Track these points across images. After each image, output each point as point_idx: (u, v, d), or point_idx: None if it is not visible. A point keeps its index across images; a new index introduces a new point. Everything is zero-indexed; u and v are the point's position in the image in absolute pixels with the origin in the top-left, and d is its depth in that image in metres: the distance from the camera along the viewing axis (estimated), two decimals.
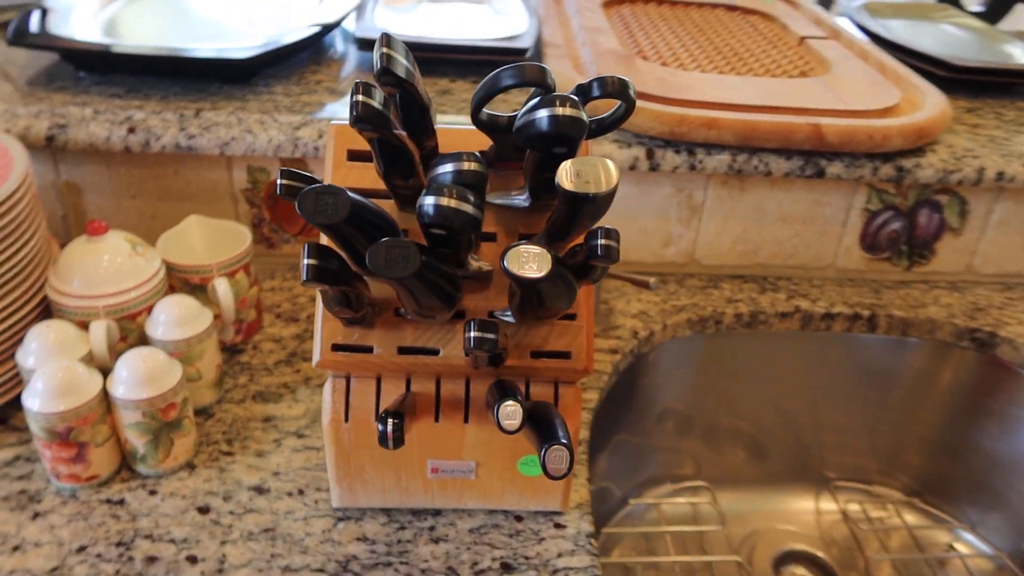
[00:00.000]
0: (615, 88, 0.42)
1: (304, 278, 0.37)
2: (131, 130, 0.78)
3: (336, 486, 0.59)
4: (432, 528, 0.60)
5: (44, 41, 0.82)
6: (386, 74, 0.38)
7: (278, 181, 0.38)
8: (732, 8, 1.21)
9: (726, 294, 0.90)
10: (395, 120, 0.43)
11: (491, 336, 0.39)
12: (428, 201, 0.34)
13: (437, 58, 0.95)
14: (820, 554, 0.98)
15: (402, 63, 0.39)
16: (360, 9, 1.02)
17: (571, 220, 0.43)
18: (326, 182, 0.53)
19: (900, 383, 0.95)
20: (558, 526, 0.61)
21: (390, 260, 0.35)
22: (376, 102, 0.38)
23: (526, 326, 0.52)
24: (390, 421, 0.43)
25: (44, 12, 0.89)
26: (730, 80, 0.90)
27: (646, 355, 0.87)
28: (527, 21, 1.02)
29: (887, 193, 0.88)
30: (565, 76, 0.86)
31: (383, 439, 0.43)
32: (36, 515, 0.59)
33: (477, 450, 0.57)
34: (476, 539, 0.59)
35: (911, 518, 1.00)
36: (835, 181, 0.86)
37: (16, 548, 0.56)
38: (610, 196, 0.38)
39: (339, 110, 0.83)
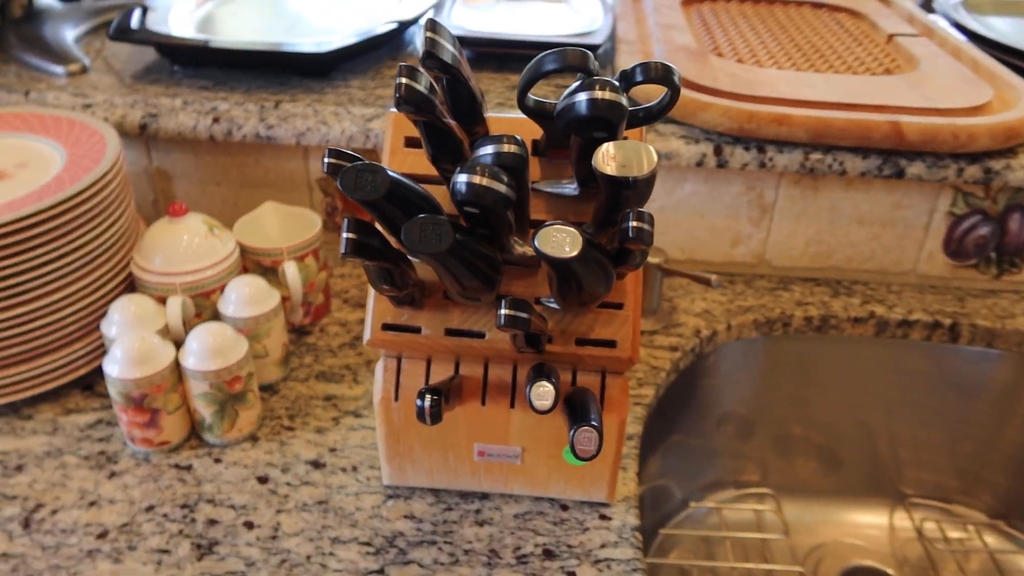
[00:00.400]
0: (658, 73, 0.42)
1: (343, 251, 0.38)
2: (216, 120, 0.83)
3: (387, 464, 0.61)
4: (478, 511, 0.61)
5: (142, 36, 0.88)
6: (430, 58, 0.39)
7: (324, 159, 0.40)
8: (818, 5, 1.17)
9: (796, 296, 0.87)
10: (443, 106, 0.44)
11: (523, 315, 0.39)
12: (460, 179, 0.35)
13: (510, 54, 0.96)
14: (891, 572, 0.93)
15: (448, 49, 0.40)
16: (438, 7, 1.04)
17: (614, 205, 0.43)
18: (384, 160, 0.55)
19: (984, 397, 0.90)
20: (603, 517, 0.61)
21: (424, 236, 0.36)
22: (421, 86, 0.39)
23: (572, 313, 0.52)
24: (428, 397, 0.44)
25: (144, 10, 0.95)
26: (807, 77, 0.87)
27: (708, 356, 0.86)
28: (602, 18, 1.02)
29: (975, 196, 0.84)
30: None
31: (420, 414, 0.44)
32: (112, 474, 0.63)
33: (523, 435, 0.58)
34: (520, 524, 0.60)
35: (993, 541, 0.94)
36: (916, 182, 0.83)
37: (92, 503, 0.61)
38: (649, 180, 0.38)
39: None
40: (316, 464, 0.64)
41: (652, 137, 0.81)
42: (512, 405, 0.56)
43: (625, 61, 0.89)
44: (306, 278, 0.76)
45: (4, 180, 0.69)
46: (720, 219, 0.87)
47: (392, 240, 0.42)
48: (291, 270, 0.74)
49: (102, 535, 0.58)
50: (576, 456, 0.41)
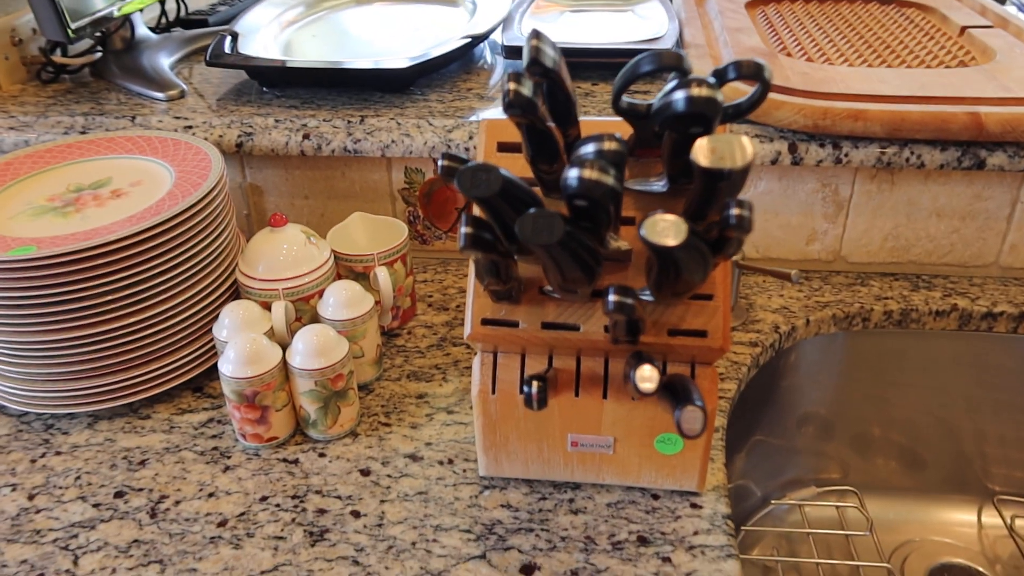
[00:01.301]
0: (751, 70, 0.44)
1: (462, 244, 0.41)
2: (306, 136, 0.87)
3: (483, 455, 0.64)
4: (571, 500, 0.63)
5: (236, 61, 0.94)
6: (535, 64, 0.42)
7: (439, 162, 0.43)
8: (886, 1, 1.17)
9: (875, 291, 0.88)
10: (542, 108, 0.47)
11: (629, 301, 0.42)
12: (572, 174, 0.38)
13: (580, 62, 0.99)
14: (982, 570, 0.92)
15: (549, 55, 0.43)
16: (507, 21, 1.08)
17: (708, 198, 0.45)
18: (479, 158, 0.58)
19: None
20: (694, 506, 0.62)
21: (536, 228, 0.38)
22: (526, 90, 0.42)
23: (663, 304, 0.54)
24: (535, 383, 0.47)
25: (235, 37, 1.00)
26: (879, 73, 0.88)
27: (787, 355, 0.87)
28: (668, 24, 1.04)
29: None
30: (705, 73, 0.87)
31: (528, 400, 0.47)
32: (227, 468, 0.67)
33: (615, 426, 0.60)
34: (613, 513, 0.62)
35: None
36: (998, 173, 0.82)
37: (211, 495, 0.65)
38: (745, 172, 0.40)
39: (488, 113, 0.89)
40: (414, 457, 0.68)
41: None
42: (604, 396, 0.58)
43: (697, 66, 0.90)
44: (395, 282, 0.80)
45: (121, 198, 0.74)
46: (795, 216, 0.88)
47: (501, 236, 0.45)
48: (382, 275, 0.77)
49: (222, 523, 0.62)
50: (682, 435, 0.43)
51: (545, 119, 0.45)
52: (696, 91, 0.40)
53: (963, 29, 1.02)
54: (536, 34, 0.42)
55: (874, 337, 0.87)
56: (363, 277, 0.79)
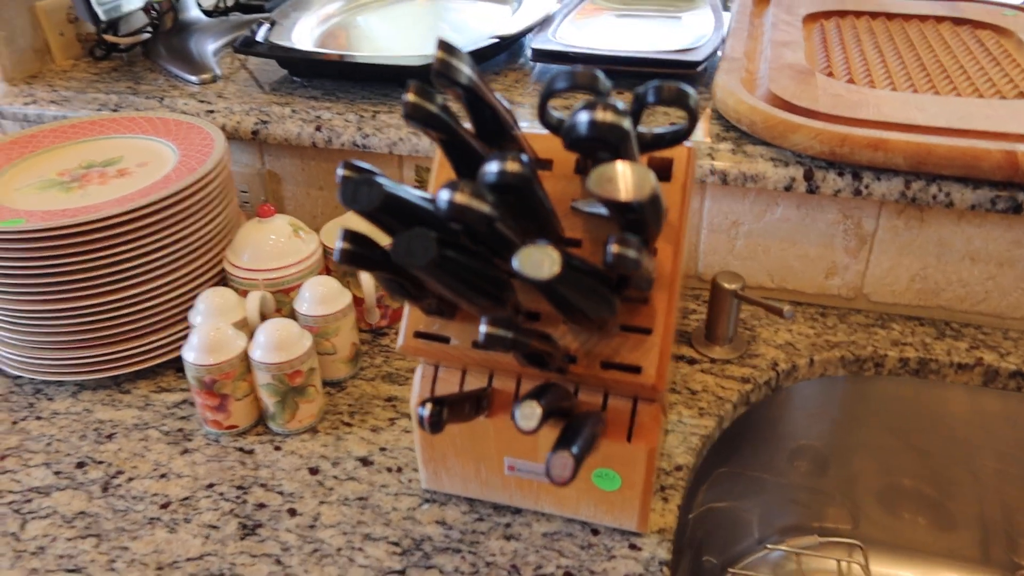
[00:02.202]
0: (671, 95, 0.40)
1: (336, 259, 0.40)
2: (318, 128, 0.88)
3: (423, 468, 0.62)
4: (508, 525, 0.61)
5: (262, 50, 0.95)
6: (442, 77, 0.40)
7: (338, 171, 0.42)
8: (959, 21, 1.08)
9: (894, 335, 0.81)
10: (467, 126, 0.45)
11: (506, 335, 0.39)
12: (442, 197, 0.36)
13: (607, 70, 0.96)
14: None
15: (462, 69, 0.41)
16: (546, 22, 1.05)
17: (626, 226, 0.42)
18: (431, 180, 0.56)
19: None
20: (633, 547, 0.59)
21: (409, 249, 0.37)
22: (428, 101, 0.40)
23: (598, 335, 0.51)
24: (429, 406, 0.45)
25: (272, 24, 1.02)
26: (920, 99, 0.81)
27: (799, 388, 0.81)
28: (711, 34, 0.99)
29: None
30: (728, 89, 0.83)
31: (421, 422, 0.45)
32: (185, 451, 0.69)
33: None
34: (547, 543, 0.59)
35: None
36: None
37: (163, 476, 0.66)
38: (644, 204, 0.37)
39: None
40: (365, 461, 0.67)
41: (740, 158, 0.78)
42: None
43: (721, 79, 0.86)
44: None
45: (124, 177, 0.77)
46: (813, 247, 0.82)
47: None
48: (364, 274, 0.77)
49: (164, 505, 0.63)
50: (551, 480, 0.40)
51: (459, 133, 0.43)
52: (600, 115, 0.37)
53: None
54: (444, 45, 0.40)
55: (887, 382, 0.81)
56: (351, 274, 0.79)
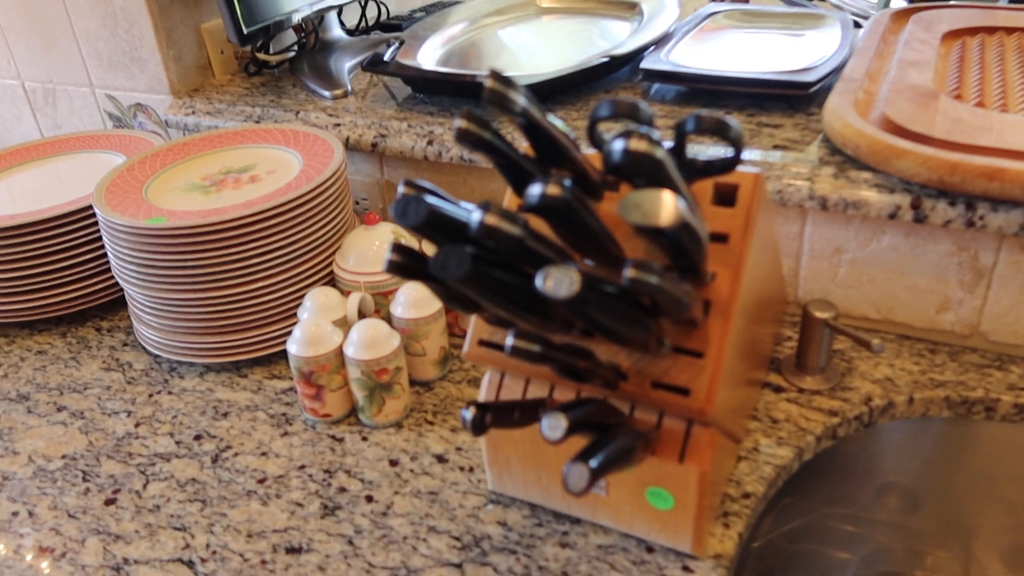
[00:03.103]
0: (710, 125, 0.41)
1: (384, 269, 0.44)
2: (430, 142, 0.93)
3: (489, 469, 0.65)
4: (565, 533, 0.63)
5: (386, 69, 1.02)
6: (494, 105, 0.43)
7: (399, 187, 0.46)
8: None
9: (1012, 379, 0.75)
10: (515, 146, 0.48)
11: (533, 348, 0.41)
12: (473, 217, 0.38)
13: (718, 90, 0.95)
14: None
15: (513, 97, 0.43)
16: (665, 38, 1.06)
17: (675, 261, 0.43)
18: (507, 195, 0.59)
19: None
20: (686, 569, 0.59)
21: (446, 263, 0.40)
22: (480, 127, 0.43)
23: (651, 355, 0.52)
24: (472, 409, 0.48)
25: (401, 44, 1.09)
26: None
27: (882, 427, 0.77)
28: (831, 53, 0.96)
29: None
30: (836, 111, 0.80)
31: (464, 423, 0.48)
32: (285, 433, 0.76)
33: None
34: (600, 555, 0.61)
35: None
36: None
37: (263, 454, 0.73)
38: (672, 231, 0.38)
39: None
40: (440, 458, 0.71)
41: (842, 183, 0.75)
42: None
43: (832, 101, 0.83)
44: None
45: (256, 183, 0.86)
46: (923, 279, 0.78)
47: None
48: None
49: (261, 480, 0.70)
50: (567, 488, 0.42)
51: (512, 155, 0.46)
52: (633, 144, 0.39)
53: None
54: (498, 77, 0.43)
55: (999, 428, 0.75)
56: None
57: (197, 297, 0.80)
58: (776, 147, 0.82)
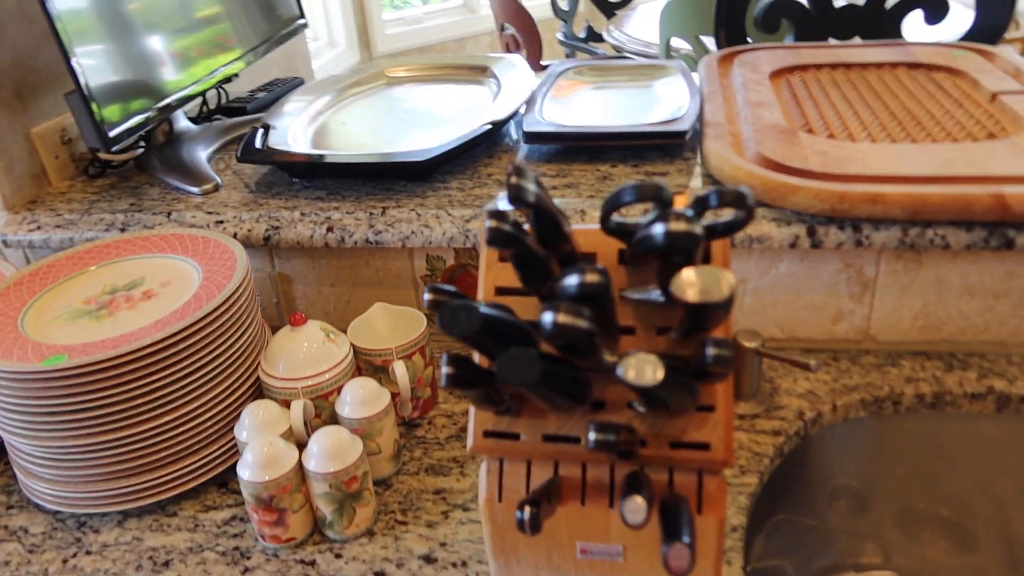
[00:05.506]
0: (731, 198, 0.44)
1: (443, 383, 0.42)
2: (329, 229, 0.90)
3: (494, 562, 0.63)
4: None
5: (264, 157, 0.97)
6: (517, 200, 0.43)
7: (424, 296, 0.44)
8: (914, 66, 1.15)
9: (906, 372, 0.85)
10: (530, 233, 0.48)
11: (612, 438, 0.41)
12: (546, 318, 0.38)
13: (597, 146, 1.00)
14: None
15: (531, 189, 0.44)
16: (530, 102, 1.10)
17: (696, 324, 0.45)
18: (480, 282, 0.59)
19: None
20: None
21: (515, 368, 0.39)
22: (507, 225, 0.43)
23: (664, 416, 0.54)
24: (528, 509, 0.47)
25: (267, 129, 1.05)
26: (902, 149, 0.86)
27: (817, 430, 0.84)
28: (688, 101, 1.05)
29: None
30: (723, 156, 0.87)
31: (520, 525, 0.47)
32: (246, 570, 0.68)
33: (624, 533, 0.59)
34: None
35: None
36: None
37: None
38: (727, 303, 0.40)
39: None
40: (428, 559, 0.68)
41: None
42: (611, 504, 0.58)
43: (712, 146, 0.91)
44: (414, 374, 0.81)
45: (152, 299, 0.78)
46: (819, 296, 0.87)
47: (488, 361, 0.45)
48: (400, 369, 0.78)
49: None
50: (670, 572, 0.42)
51: (531, 246, 0.46)
52: (674, 226, 0.40)
53: (994, 96, 1.00)
54: (517, 170, 0.43)
55: (907, 419, 0.85)
56: (382, 370, 0.80)
57: (108, 440, 0.71)
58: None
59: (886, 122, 0.96)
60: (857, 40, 1.50)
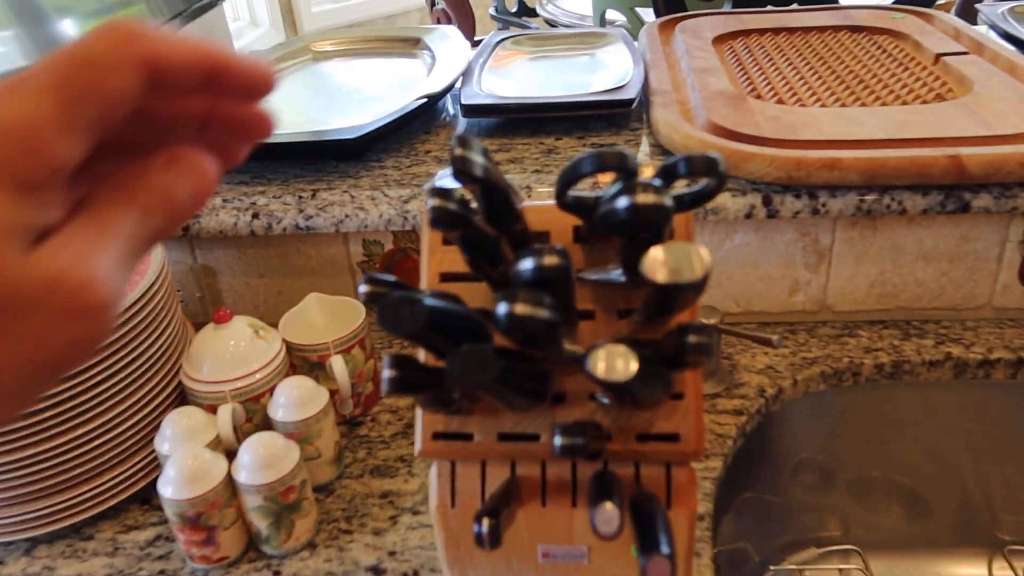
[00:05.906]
0: (702, 166, 0.39)
1: (386, 389, 0.36)
2: (255, 216, 0.83)
3: (447, 570, 0.58)
4: None
5: None
6: (462, 175, 0.38)
7: (360, 288, 0.38)
8: (856, 29, 1.13)
9: (864, 342, 0.83)
10: (478, 211, 0.42)
11: (579, 442, 0.37)
12: (501, 310, 0.33)
13: (543, 117, 0.95)
14: None
15: (478, 162, 0.38)
16: (466, 75, 1.04)
17: (665, 307, 0.41)
18: (423, 269, 0.53)
19: None
20: None
21: (468, 368, 0.34)
22: (452, 203, 0.38)
23: (631, 409, 0.49)
24: (486, 521, 0.42)
25: None
26: (854, 113, 0.83)
27: (776, 410, 0.82)
28: (632, 69, 1.00)
29: None
30: (672, 124, 0.83)
31: (479, 540, 0.42)
32: None
33: (588, 534, 0.54)
34: None
35: None
36: (984, 214, 0.78)
37: None
38: (702, 283, 0.36)
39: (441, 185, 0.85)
40: (376, 570, 0.62)
41: None
42: (574, 504, 0.53)
43: (660, 115, 0.86)
44: (354, 369, 0.75)
45: None
46: (775, 268, 0.84)
47: (436, 359, 0.40)
48: (338, 364, 0.72)
49: None
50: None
51: (478, 225, 0.40)
52: (642, 198, 0.35)
53: (937, 57, 0.98)
54: (461, 140, 0.37)
55: (866, 390, 0.83)
56: (319, 366, 0.74)
57: (13, 460, 0.63)
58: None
59: (834, 86, 0.93)
60: (795, 5, 1.48)
